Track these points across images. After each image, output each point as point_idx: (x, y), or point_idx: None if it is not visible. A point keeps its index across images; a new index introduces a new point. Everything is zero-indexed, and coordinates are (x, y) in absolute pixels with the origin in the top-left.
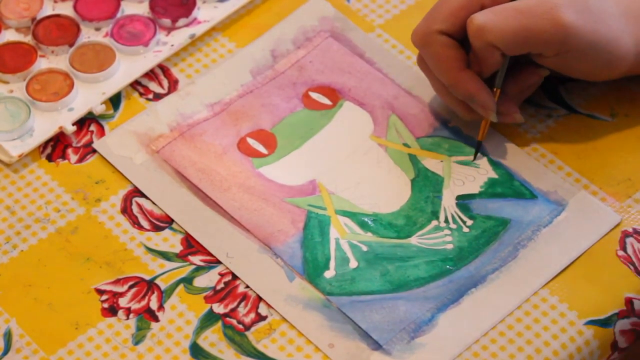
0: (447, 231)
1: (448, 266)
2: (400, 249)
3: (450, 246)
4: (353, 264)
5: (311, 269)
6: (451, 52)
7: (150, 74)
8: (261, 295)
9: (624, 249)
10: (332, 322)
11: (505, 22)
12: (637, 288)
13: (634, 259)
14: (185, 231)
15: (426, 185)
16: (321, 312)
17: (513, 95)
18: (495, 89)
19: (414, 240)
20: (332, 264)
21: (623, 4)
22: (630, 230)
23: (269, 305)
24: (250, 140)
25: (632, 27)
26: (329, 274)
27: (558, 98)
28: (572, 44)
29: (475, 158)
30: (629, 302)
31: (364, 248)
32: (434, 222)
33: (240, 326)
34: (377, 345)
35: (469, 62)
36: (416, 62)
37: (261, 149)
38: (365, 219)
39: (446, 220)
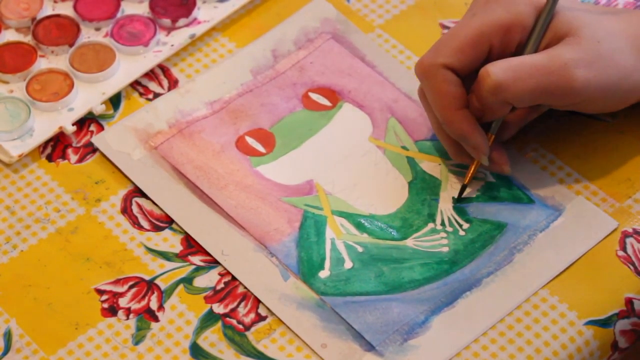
0: (443, 234)
1: (443, 269)
2: (396, 250)
3: (445, 249)
4: (348, 264)
5: (306, 268)
6: (451, 89)
7: (150, 74)
8: (255, 293)
9: (624, 249)
10: (325, 322)
11: (522, 81)
12: (637, 288)
13: (634, 259)
14: (184, 230)
15: (423, 188)
16: (315, 312)
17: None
18: (489, 134)
19: (409, 242)
20: (327, 264)
21: (632, 36)
22: (630, 230)
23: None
24: (248, 139)
25: None
26: (323, 274)
27: None
28: (584, 97)
29: (458, 201)
30: (629, 302)
31: (360, 249)
32: (430, 225)
33: (240, 326)
34: (370, 347)
35: (467, 101)
36: (417, 91)
37: (259, 147)
38: (362, 220)
39: (442, 223)
